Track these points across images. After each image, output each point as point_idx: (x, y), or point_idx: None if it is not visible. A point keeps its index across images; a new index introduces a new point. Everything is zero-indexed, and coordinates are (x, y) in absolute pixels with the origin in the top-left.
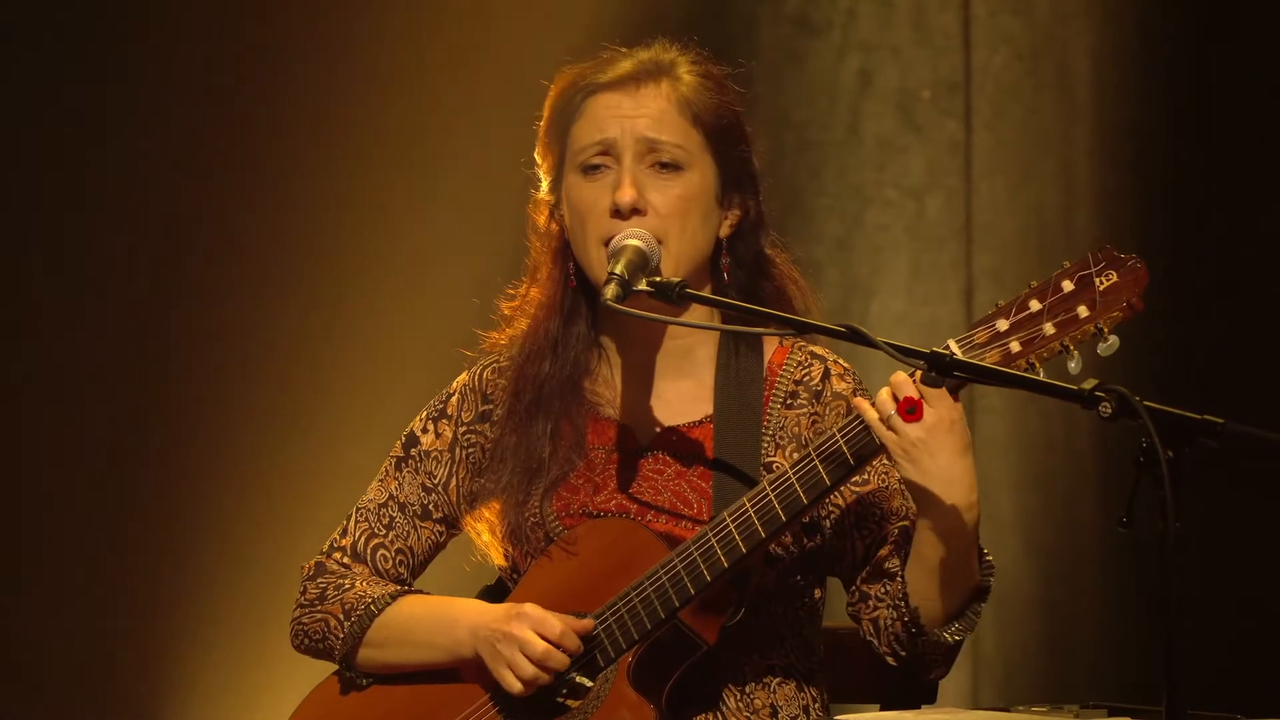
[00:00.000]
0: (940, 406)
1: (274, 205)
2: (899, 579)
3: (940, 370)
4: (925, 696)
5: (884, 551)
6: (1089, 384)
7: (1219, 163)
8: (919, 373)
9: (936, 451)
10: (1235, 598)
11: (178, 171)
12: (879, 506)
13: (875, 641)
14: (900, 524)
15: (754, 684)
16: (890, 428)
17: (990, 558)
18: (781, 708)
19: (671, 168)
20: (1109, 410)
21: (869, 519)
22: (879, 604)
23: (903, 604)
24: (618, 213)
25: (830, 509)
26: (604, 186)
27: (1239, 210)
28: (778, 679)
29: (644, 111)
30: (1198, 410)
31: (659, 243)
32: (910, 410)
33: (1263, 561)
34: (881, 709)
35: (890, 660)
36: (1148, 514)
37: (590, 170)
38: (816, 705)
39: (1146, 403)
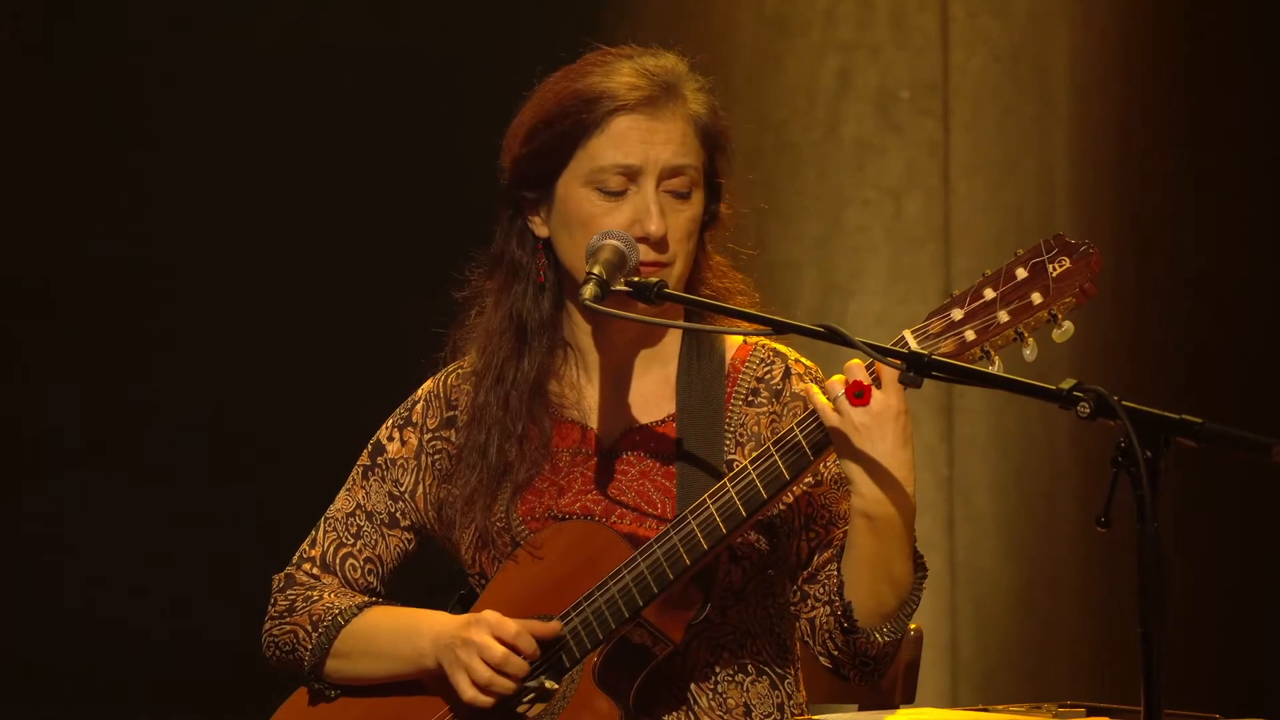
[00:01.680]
0: (889, 395)
1: (236, 209)
2: (835, 573)
3: (919, 370)
4: (904, 696)
5: (827, 554)
6: (1067, 384)
7: (1196, 163)
8: (877, 364)
9: (879, 439)
10: (1215, 597)
11: (138, 170)
12: (828, 509)
13: (810, 641)
14: (844, 528)
15: (727, 683)
16: (837, 410)
17: (924, 560)
18: (755, 706)
19: (685, 191)
20: (1087, 410)
21: (816, 521)
22: (817, 603)
23: (837, 598)
24: (645, 240)
25: (781, 508)
26: (624, 209)
27: (1216, 211)
28: (750, 678)
29: (668, 137)
30: (1176, 410)
31: (666, 265)
32: (858, 394)
33: (1241, 561)
34: (859, 709)
35: (823, 660)
36: (1126, 514)
37: (608, 189)
38: (791, 704)
39: (1124, 402)
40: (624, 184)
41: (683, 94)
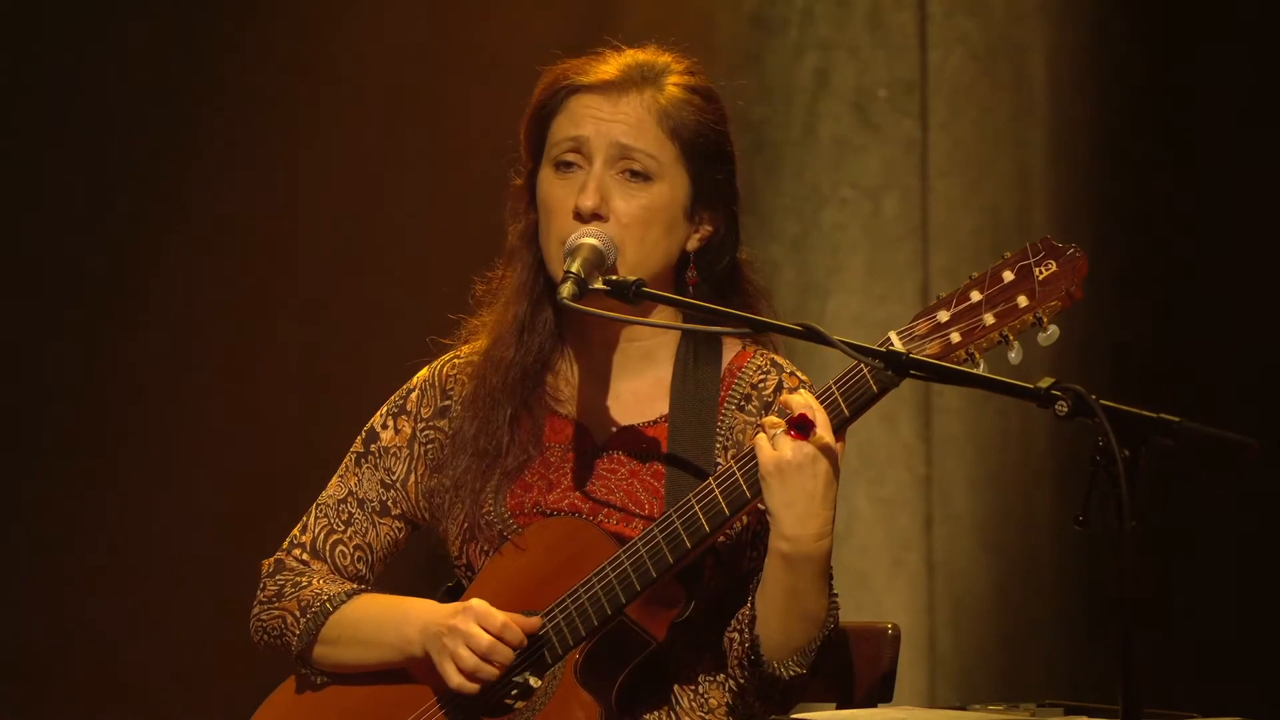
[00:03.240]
0: (824, 434)
1: (241, 196)
2: (751, 606)
3: (897, 370)
4: (882, 695)
5: (756, 581)
6: (1045, 382)
7: (1174, 162)
8: (814, 404)
9: (808, 478)
10: (1193, 596)
11: (141, 165)
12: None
13: (728, 662)
14: None
15: (708, 683)
16: (773, 446)
17: (837, 596)
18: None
19: (641, 177)
20: (1065, 409)
21: (761, 540)
22: (737, 624)
23: (747, 630)
24: (578, 215)
25: (737, 520)
26: (572, 186)
27: (1194, 209)
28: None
29: (621, 117)
30: (1153, 409)
31: (617, 247)
32: (799, 428)
33: (1217, 560)
34: (838, 708)
35: (732, 684)
36: (1104, 513)
37: (562, 166)
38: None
39: (1102, 401)
40: (577, 160)
41: (658, 84)
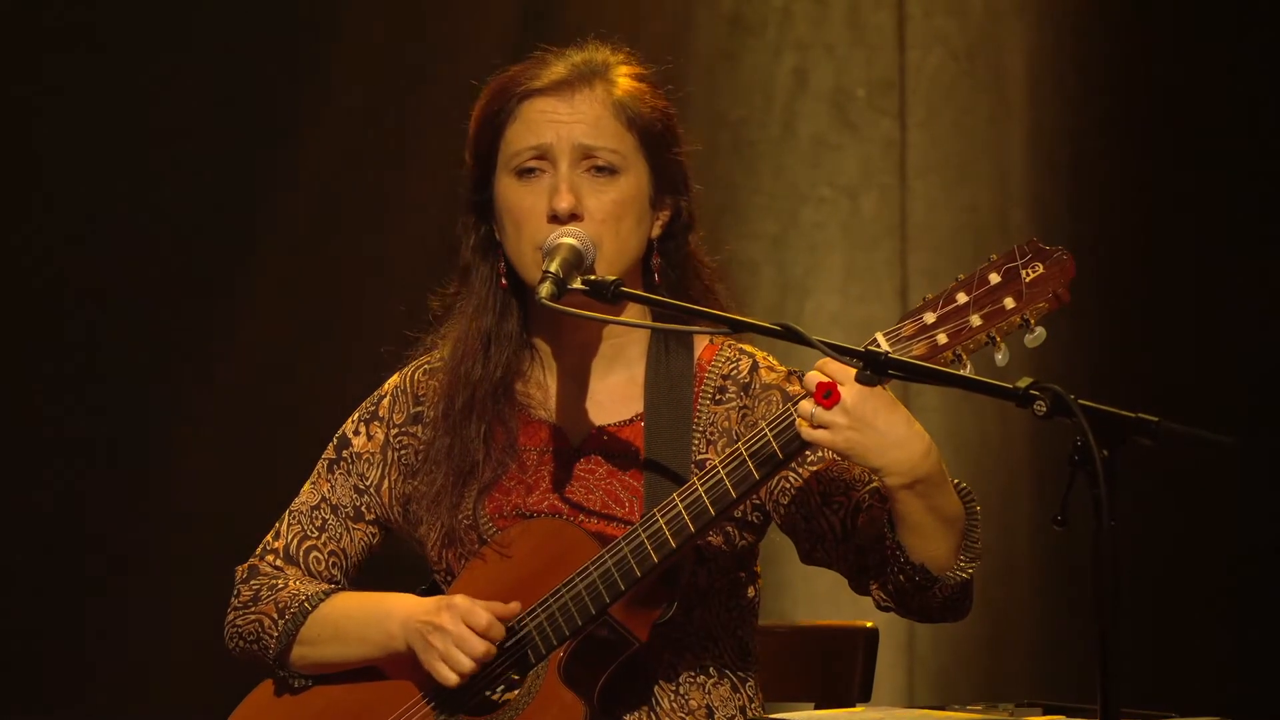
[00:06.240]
0: (852, 384)
1: (203, 207)
2: (894, 546)
3: (876, 369)
4: (861, 695)
5: (862, 520)
6: (1024, 382)
7: (1153, 162)
8: (831, 365)
9: (871, 419)
10: (1172, 596)
11: (106, 178)
12: (839, 479)
13: (893, 607)
14: (868, 487)
15: (688, 684)
16: (820, 425)
17: (964, 485)
18: (717, 708)
19: (607, 172)
20: (1044, 408)
21: (834, 492)
22: (882, 573)
23: (908, 567)
24: (555, 218)
25: (791, 494)
26: (540, 191)
27: (1172, 209)
28: (712, 679)
29: (579, 116)
30: (1132, 409)
31: (595, 246)
32: (826, 395)
33: (1197, 560)
34: (816, 708)
35: (917, 619)
36: (1082, 512)
37: (525, 174)
38: (753, 705)
39: (1081, 401)
40: (539, 165)
41: (606, 79)
